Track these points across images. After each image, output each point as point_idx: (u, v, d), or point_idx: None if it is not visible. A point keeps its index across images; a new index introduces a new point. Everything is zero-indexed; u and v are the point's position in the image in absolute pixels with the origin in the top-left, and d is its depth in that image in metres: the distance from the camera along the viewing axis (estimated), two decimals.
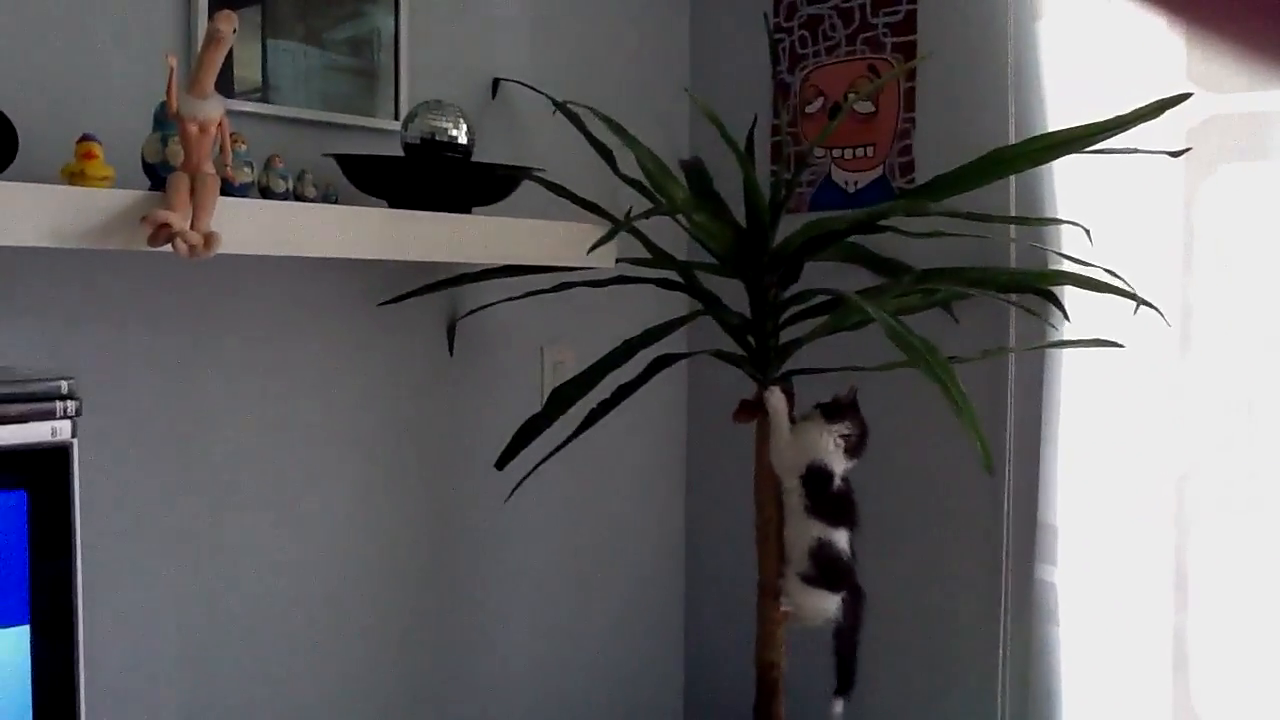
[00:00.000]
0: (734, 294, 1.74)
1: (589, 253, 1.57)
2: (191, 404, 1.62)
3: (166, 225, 1.21)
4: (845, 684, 1.71)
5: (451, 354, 1.91)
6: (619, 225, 1.53)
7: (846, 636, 1.69)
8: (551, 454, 1.68)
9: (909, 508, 2.04)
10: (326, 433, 1.77)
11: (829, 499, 1.64)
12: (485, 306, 1.90)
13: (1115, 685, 1.79)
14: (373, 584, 1.86)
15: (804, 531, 1.64)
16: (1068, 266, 1.69)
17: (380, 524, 1.86)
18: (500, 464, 1.59)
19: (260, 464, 1.70)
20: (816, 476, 1.63)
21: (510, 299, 1.85)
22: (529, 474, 1.69)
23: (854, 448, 1.64)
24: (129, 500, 1.57)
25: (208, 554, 1.66)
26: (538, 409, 1.71)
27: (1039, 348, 1.79)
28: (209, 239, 1.24)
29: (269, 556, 1.72)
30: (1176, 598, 1.73)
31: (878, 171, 2.03)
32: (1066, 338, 1.77)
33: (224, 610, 1.68)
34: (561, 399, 1.58)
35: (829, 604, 1.66)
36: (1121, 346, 1.68)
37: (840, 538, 1.64)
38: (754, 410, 1.71)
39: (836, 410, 1.64)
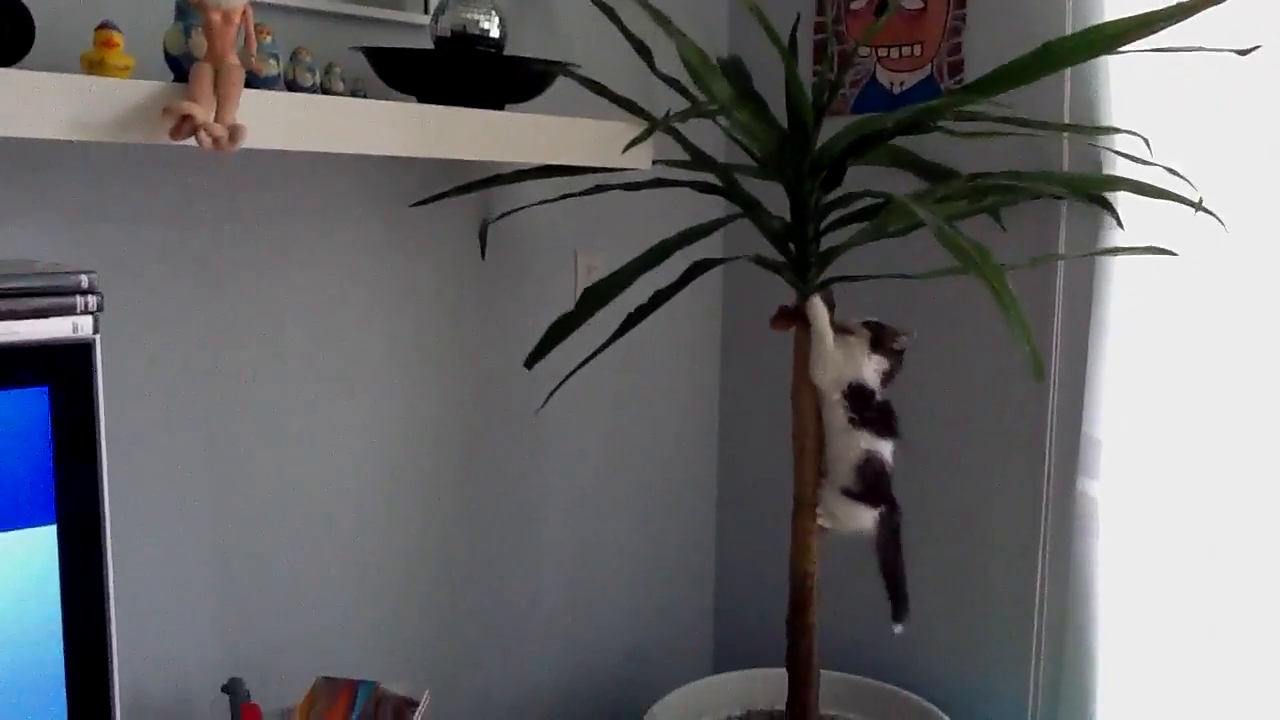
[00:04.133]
0: (774, 199, 1.68)
1: (625, 151, 1.51)
2: (217, 303, 1.59)
3: (189, 117, 1.17)
4: (901, 606, 1.69)
5: (484, 257, 1.87)
6: (656, 123, 1.48)
7: (893, 559, 1.67)
8: (588, 359, 1.64)
9: (950, 419, 2.01)
10: (355, 334, 1.74)
11: (875, 410, 1.61)
12: (518, 210, 1.85)
13: (1153, 600, 1.76)
14: (405, 487, 1.84)
15: (850, 444, 1.61)
16: (1123, 169, 1.63)
17: (412, 428, 1.84)
18: (529, 363, 1.55)
19: (289, 366, 1.67)
20: (860, 391, 1.60)
21: (544, 202, 1.80)
22: (564, 380, 1.65)
23: (885, 380, 1.62)
24: (154, 401, 1.55)
25: (237, 457, 1.64)
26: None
27: (1091, 255, 1.73)
28: (234, 132, 1.19)
29: (299, 459, 1.71)
30: (1219, 515, 1.69)
31: (925, 72, 1.95)
32: (1119, 245, 1.71)
33: (254, 514, 1.67)
34: (593, 299, 1.53)
35: (866, 517, 1.65)
36: (1175, 255, 1.62)
37: (886, 450, 1.62)
38: (793, 318, 1.66)
39: (882, 345, 1.61)
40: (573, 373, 1.66)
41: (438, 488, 1.89)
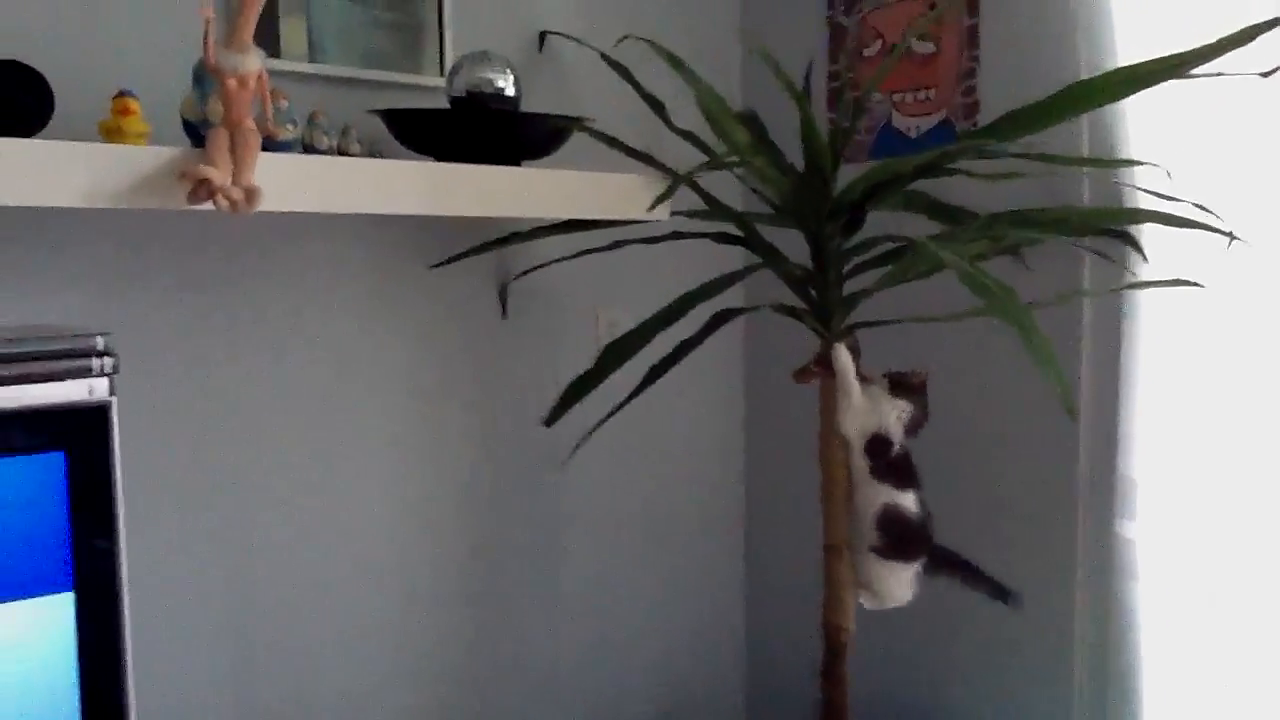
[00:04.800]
0: (794, 248, 1.67)
1: (651, 209, 1.51)
2: (233, 367, 1.59)
3: (207, 180, 1.17)
4: (1001, 593, 1.67)
5: (505, 316, 1.87)
6: (680, 178, 1.48)
7: (960, 567, 1.65)
8: (611, 414, 1.63)
9: (980, 462, 1.98)
10: (375, 397, 1.74)
11: (894, 460, 1.58)
12: (538, 268, 1.85)
13: (1196, 644, 1.72)
14: (424, 550, 1.83)
15: (872, 497, 1.59)
16: (1144, 203, 1.61)
17: (433, 489, 1.82)
18: (549, 421, 1.54)
19: (306, 426, 1.67)
20: (880, 441, 1.58)
21: (564, 259, 1.80)
22: (588, 435, 1.64)
23: (912, 429, 1.59)
24: (168, 465, 1.54)
25: (253, 520, 1.64)
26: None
27: (1117, 290, 1.70)
28: (250, 193, 1.20)
29: (317, 521, 1.70)
30: (1262, 554, 1.65)
31: (941, 115, 1.95)
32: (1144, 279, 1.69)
33: (270, 578, 1.66)
34: (613, 355, 1.52)
35: (906, 578, 1.61)
36: (1202, 287, 1.60)
37: (908, 500, 1.59)
38: (818, 369, 1.65)
39: (904, 387, 1.59)
40: (597, 427, 1.64)
41: (458, 549, 1.87)
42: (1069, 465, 1.84)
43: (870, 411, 1.58)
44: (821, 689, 1.72)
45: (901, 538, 1.59)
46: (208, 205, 1.18)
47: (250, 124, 1.23)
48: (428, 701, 1.85)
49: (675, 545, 2.21)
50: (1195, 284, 1.61)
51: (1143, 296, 1.71)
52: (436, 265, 1.74)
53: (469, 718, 1.91)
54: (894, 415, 1.57)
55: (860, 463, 1.58)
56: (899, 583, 1.60)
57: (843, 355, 1.59)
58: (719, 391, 2.27)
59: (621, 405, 1.63)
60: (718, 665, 2.32)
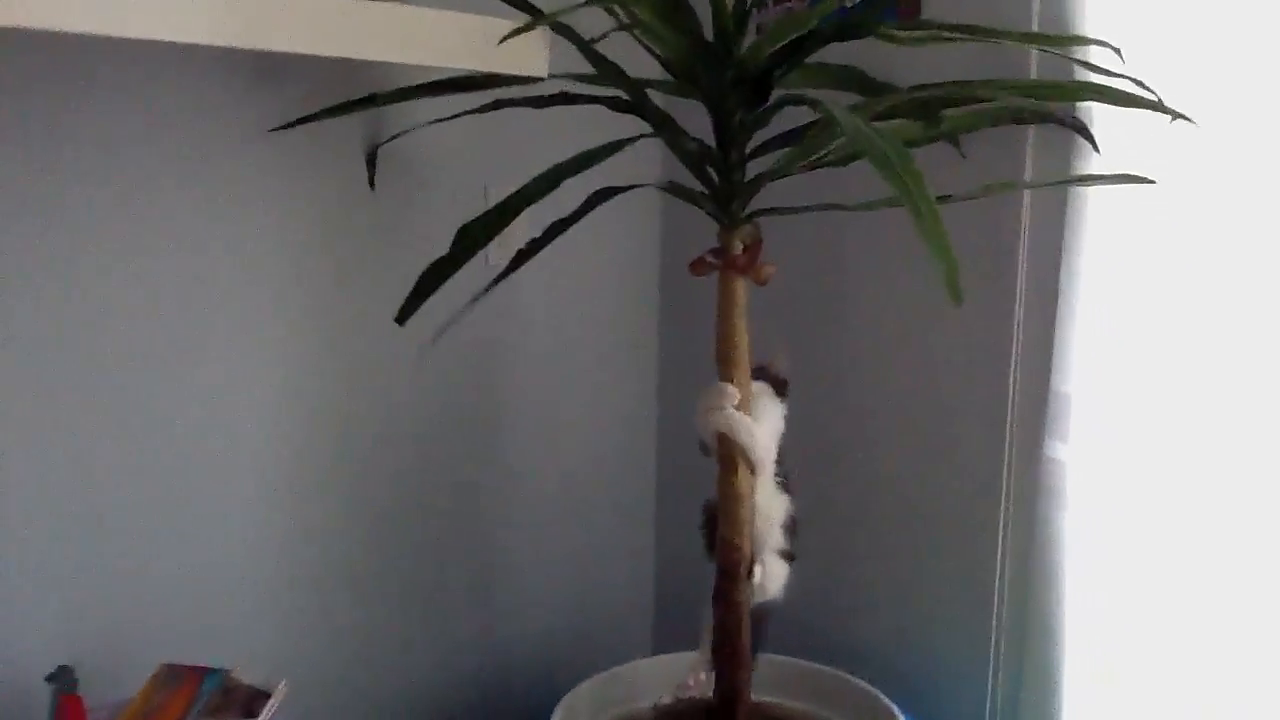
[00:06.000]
0: (701, 122, 1.45)
1: (503, 41, 1.29)
2: (46, 245, 1.38)
3: None
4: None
5: (372, 187, 1.65)
6: (539, 17, 1.26)
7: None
8: (474, 300, 1.42)
9: (897, 375, 1.80)
10: (213, 285, 1.53)
11: (784, 467, 1.52)
12: (406, 132, 1.63)
13: (1128, 578, 1.56)
14: (285, 455, 1.64)
15: (778, 507, 1.53)
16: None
17: (293, 390, 1.63)
18: (400, 317, 1.33)
19: (134, 324, 1.47)
20: (780, 453, 1.51)
21: (437, 121, 1.58)
22: (447, 325, 1.43)
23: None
24: None
25: (88, 423, 1.47)
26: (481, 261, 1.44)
27: (1058, 184, 1.51)
28: None
29: (159, 423, 1.51)
30: (1206, 481, 1.48)
31: None
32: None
33: (111, 484, 1.48)
34: (469, 238, 1.31)
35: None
36: (1153, 183, 1.40)
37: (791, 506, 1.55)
38: (714, 261, 1.46)
39: (779, 385, 1.53)
40: (456, 317, 1.43)
41: (323, 455, 1.69)
42: (998, 378, 1.66)
43: (771, 427, 1.50)
44: (714, 612, 1.57)
45: (796, 538, 1.55)
46: None
47: None
48: (293, 631, 1.70)
49: (582, 458, 2.06)
50: (1147, 180, 1.41)
51: (1089, 195, 1.51)
52: (278, 129, 1.51)
53: (345, 647, 1.76)
54: (780, 413, 1.52)
55: (773, 478, 1.51)
56: (780, 578, 1.55)
57: (733, 418, 1.45)
58: (632, 289, 2.08)
59: (485, 291, 1.42)
60: (626, 587, 2.18)
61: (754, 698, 1.64)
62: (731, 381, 1.48)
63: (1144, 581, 1.54)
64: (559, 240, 1.39)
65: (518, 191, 1.31)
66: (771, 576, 1.54)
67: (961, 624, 1.75)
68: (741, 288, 1.46)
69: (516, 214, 1.31)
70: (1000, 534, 1.68)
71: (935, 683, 1.80)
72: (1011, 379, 1.65)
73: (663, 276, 2.10)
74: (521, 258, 1.38)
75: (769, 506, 1.52)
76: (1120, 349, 1.52)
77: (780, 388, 1.53)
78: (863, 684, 1.72)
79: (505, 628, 1.98)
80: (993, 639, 1.71)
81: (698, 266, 1.48)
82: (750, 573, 1.53)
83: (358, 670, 1.78)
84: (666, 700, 1.77)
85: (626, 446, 2.13)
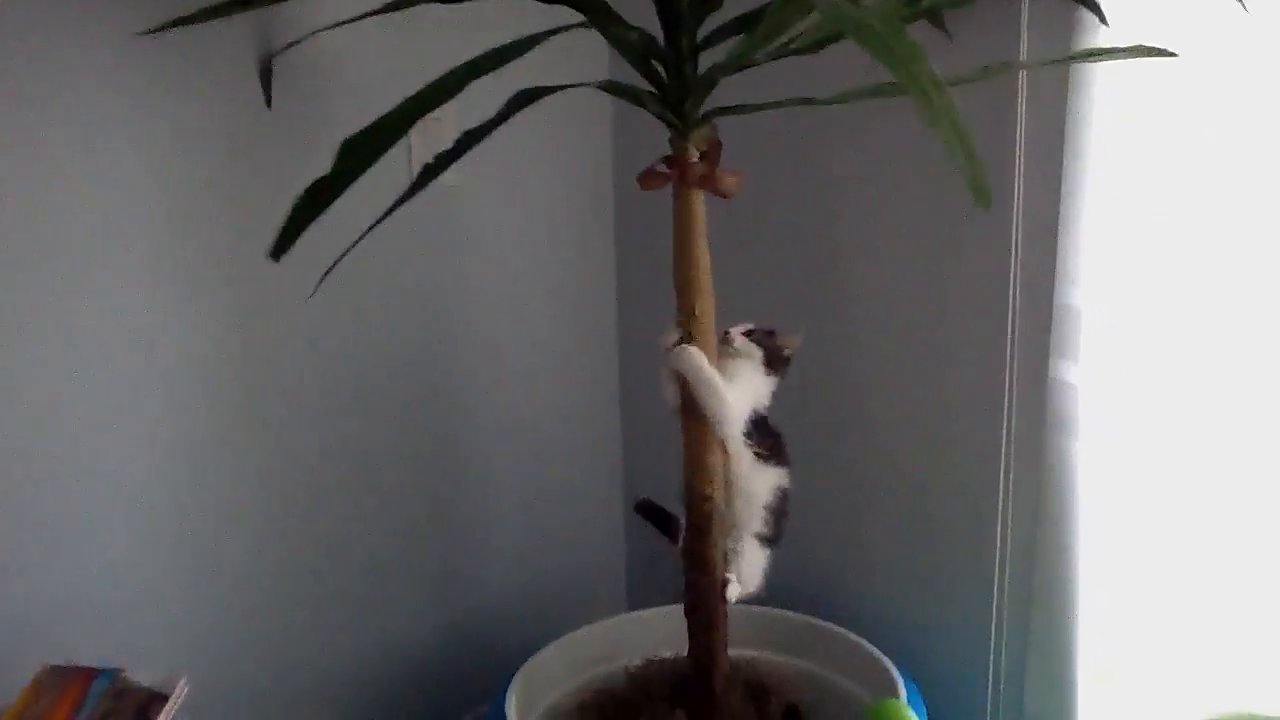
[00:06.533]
0: (644, 9, 1.23)
1: None
2: None
3: None
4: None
5: (269, 105, 1.42)
6: None
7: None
8: (371, 227, 1.19)
9: (883, 289, 1.60)
10: (87, 238, 1.31)
11: (776, 440, 1.35)
12: (307, 37, 1.40)
13: (1144, 515, 1.38)
14: (188, 406, 1.43)
15: (760, 485, 1.35)
16: None
17: (184, 333, 1.42)
18: (275, 252, 1.11)
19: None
20: (762, 422, 1.34)
21: (341, 24, 1.35)
22: (339, 260, 1.21)
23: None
24: None
25: None
26: (406, 181, 1.21)
27: (1064, 61, 1.30)
28: None
29: (15, 404, 1.30)
30: (1228, 402, 1.30)
31: None
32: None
33: None
34: (353, 155, 1.09)
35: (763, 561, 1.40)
36: (1174, 55, 1.20)
37: (785, 479, 1.37)
38: (669, 171, 1.25)
39: (775, 357, 1.35)
40: (353, 246, 1.21)
41: (231, 420, 1.48)
42: (996, 289, 1.46)
43: (744, 395, 1.32)
44: (685, 570, 1.39)
45: (782, 522, 1.38)
46: None
47: None
48: (209, 612, 1.49)
49: (543, 403, 1.87)
50: (1167, 53, 1.20)
51: (1097, 74, 1.31)
52: (148, 32, 1.28)
53: (287, 619, 1.57)
54: (768, 389, 1.35)
55: (744, 451, 1.33)
56: (760, 567, 1.39)
57: (691, 358, 1.26)
58: (585, 203, 1.87)
59: (384, 217, 1.19)
60: (596, 541, 2.00)
61: (738, 651, 1.49)
62: (692, 313, 1.29)
63: (1164, 517, 1.37)
64: (504, 163, 1.18)
65: (413, 97, 1.09)
66: (750, 569, 1.38)
67: (961, 570, 1.58)
68: (700, 202, 1.26)
69: (410, 124, 1.09)
70: (1002, 466, 1.50)
71: (934, 633, 1.63)
72: (1011, 290, 1.45)
73: (618, 196, 1.89)
74: (429, 174, 1.16)
75: (749, 482, 1.35)
76: (1137, 254, 1.33)
77: (776, 362, 1.35)
78: (849, 634, 1.56)
79: (462, 594, 1.79)
80: (995, 588, 1.54)
81: (648, 179, 1.27)
82: (724, 592, 1.36)
83: (290, 655, 1.59)
84: (638, 663, 1.61)
85: (587, 386, 1.93)
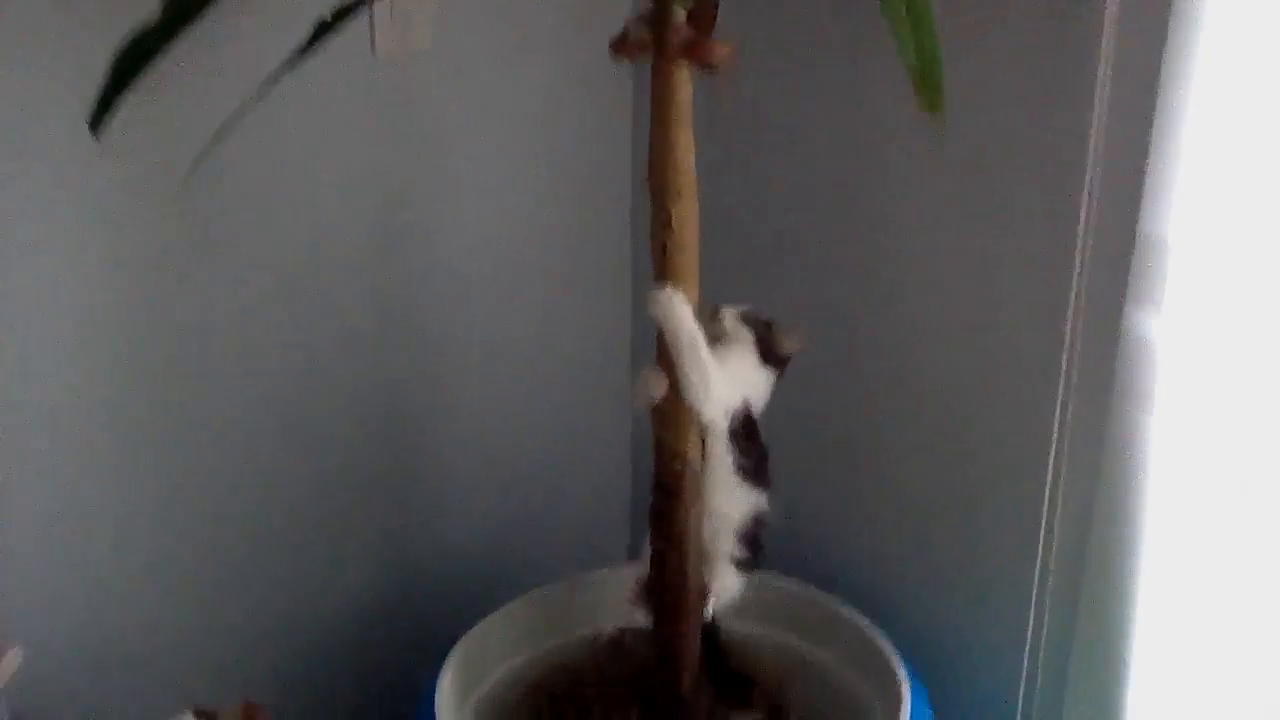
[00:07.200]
0: None
1: None
2: None
3: None
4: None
5: None
6: None
7: None
8: (257, 98, 0.93)
9: (925, 222, 1.33)
10: None
11: (761, 456, 1.18)
12: None
13: (1225, 510, 1.11)
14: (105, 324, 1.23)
15: (734, 504, 1.19)
16: None
17: (96, 241, 1.19)
18: (93, 121, 0.87)
19: None
20: (750, 427, 1.17)
21: None
22: (212, 144, 0.95)
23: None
24: None
25: None
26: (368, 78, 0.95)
27: None
28: None
29: None
30: None
31: None
32: None
33: None
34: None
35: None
36: None
37: (764, 501, 1.20)
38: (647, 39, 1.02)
39: (771, 351, 1.17)
40: (229, 125, 0.95)
41: (163, 342, 1.28)
42: (1064, 220, 1.17)
43: (733, 382, 1.15)
44: (651, 540, 1.19)
45: (760, 548, 1.22)
46: None
47: None
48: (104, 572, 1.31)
49: (549, 340, 1.65)
50: None
51: None
52: None
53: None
54: (762, 386, 1.18)
55: (724, 455, 1.16)
56: (737, 589, 1.24)
57: (668, 304, 1.07)
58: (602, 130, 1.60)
59: (279, 74, 0.93)
60: (599, 481, 1.79)
61: (734, 625, 1.29)
62: (668, 223, 1.04)
63: (1258, 522, 1.09)
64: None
65: None
66: (725, 591, 1.23)
67: (1001, 547, 1.32)
68: (685, 79, 1.02)
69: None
70: (1055, 431, 1.23)
71: (964, 617, 1.39)
72: (1084, 211, 1.16)
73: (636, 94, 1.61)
74: (322, 30, 0.90)
75: (722, 503, 1.18)
76: (1243, 176, 1.04)
77: (772, 355, 1.18)
78: (853, 614, 1.35)
79: (432, 539, 1.60)
80: (1036, 571, 1.28)
81: (624, 47, 1.03)
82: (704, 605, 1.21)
83: (209, 617, 1.40)
84: (611, 631, 1.38)
85: (594, 306, 1.69)
